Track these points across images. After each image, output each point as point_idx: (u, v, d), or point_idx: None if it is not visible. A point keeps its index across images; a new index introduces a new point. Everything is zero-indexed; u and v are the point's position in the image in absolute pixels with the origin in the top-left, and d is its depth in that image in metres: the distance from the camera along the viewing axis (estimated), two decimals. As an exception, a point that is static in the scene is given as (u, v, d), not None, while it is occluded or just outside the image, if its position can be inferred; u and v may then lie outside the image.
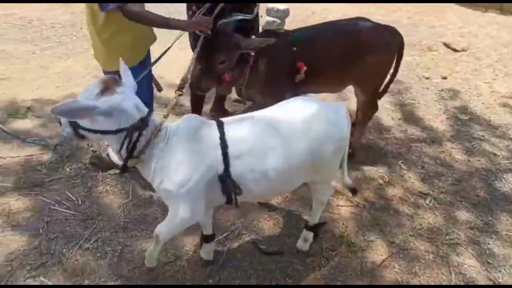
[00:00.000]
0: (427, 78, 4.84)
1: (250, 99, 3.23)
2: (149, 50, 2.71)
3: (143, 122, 1.82)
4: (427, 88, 4.65)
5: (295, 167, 2.02)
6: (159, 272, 2.36)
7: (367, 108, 3.28)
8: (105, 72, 2.55)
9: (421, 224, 2.85)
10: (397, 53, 3.10)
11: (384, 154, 3.52)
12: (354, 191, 2.55)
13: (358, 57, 2.91)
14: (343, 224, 2.80)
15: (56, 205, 2.70)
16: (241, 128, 2.00)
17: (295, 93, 2.92)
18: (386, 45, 3.00)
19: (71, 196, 2.78)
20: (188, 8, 2.92)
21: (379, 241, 2.70)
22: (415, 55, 5.37)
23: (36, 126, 3.40)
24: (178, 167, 1.88)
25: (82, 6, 5.89)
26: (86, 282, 2.27)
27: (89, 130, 1.80)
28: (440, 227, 2.84)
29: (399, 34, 3.06)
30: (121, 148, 1.85)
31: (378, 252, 2.63)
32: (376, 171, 3.31)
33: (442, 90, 4.61)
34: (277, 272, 2.44)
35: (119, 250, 2.46)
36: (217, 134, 1.93)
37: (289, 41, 2.88)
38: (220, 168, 1.90)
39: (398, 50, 3.10)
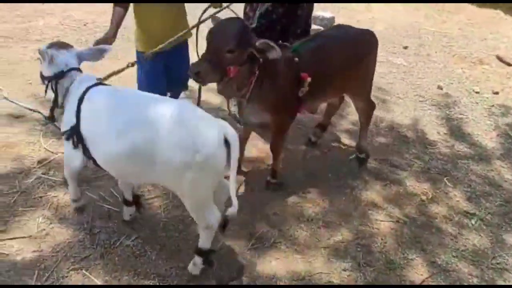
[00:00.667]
0: (477, 92, 4.64)
1: (248, 122, 2.86)
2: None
3: (62, 73, 2.25)
4: (477, 103, 4.47)
5: (125, 154, 2.04)
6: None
7: (368, 109, 3.32)
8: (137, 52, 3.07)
9: (465, 245, 2.72)
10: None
11: (428, 170, 3.40)
12: (223, 225, 2.27)
13: (358, 61, 2.99)
14: (381, 239, 2.73)
15: (101, 201, 2.81)
16: (105, 95, 2.22)
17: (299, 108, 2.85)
18: (376, 46, 3.17)
19: (115, 193, 2.88)
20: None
21: (420, 260, 2.60)
22: (465, 68, 5.17)
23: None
24: (64, 116, 2.30)
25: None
26: (124, 278, 2.34)
27: (41, 75, 2.33)
28: (486, 250, 2.70)
29: (376, 36, 3.18)
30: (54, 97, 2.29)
31: (418, 271, 2.54)
32: (419, 187, 3.21)
33: (492, 106, 4.41)
34: (311, 283, 2.41)
35: (158, 249, 2.52)
36: (82, 90, 2.20)
37: (291, 52, 2.70)
38: (73, 120, 2.18)
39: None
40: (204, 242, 2.27)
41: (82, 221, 2.65)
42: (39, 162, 3.04)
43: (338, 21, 5.54)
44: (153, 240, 2.57)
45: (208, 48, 2.40)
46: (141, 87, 3.04)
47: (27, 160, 3.05)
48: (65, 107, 2.29)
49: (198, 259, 2.32)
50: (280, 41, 2.74)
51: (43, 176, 2.93)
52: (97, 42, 2.67)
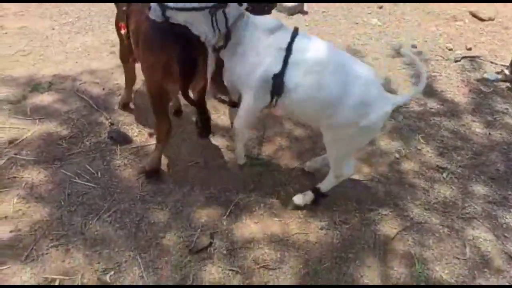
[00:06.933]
0: (450, 49, 4.67)
1: None
2: None
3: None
4: (450, 59, 4.50)
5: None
6: (172, 245, 2.44)
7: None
8: None
9: (436, 198, 2.82)
10: None
11: (401, 128, 3.46)
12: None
13: None
14: (356, 198, 2.80)
15: (77, 177, 2.79)
16: None
17: None
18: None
19: (90, 169, 2.86)
20: None
21: (393, 215, 2.69)
22: (439, 25, 5.17)
23: (56, 101, 3.48)
24: None
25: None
26: (105, 252, 2.37)
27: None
28: (456, 201, 2.80)
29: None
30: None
31: (392, 225, 2.63)
32: (393, 145, 3.27)
33: (465, 62, 4.45)
34: (289, 243, 2.48)
35: (137, 221, 2.54)
36: None
37: None
38: None
39: None
40: (326, 185, 2.62)
41: (58, 198, 2.64)
42: (10, 142, 2.98)
43: None
44: (132, 213, 2.59)
45: None
46: None
47: (-4, 141, 2.99)
48: None
49: (310, 195, 2.67)
50: None
51: (15, 156, 2.88)
52: None
